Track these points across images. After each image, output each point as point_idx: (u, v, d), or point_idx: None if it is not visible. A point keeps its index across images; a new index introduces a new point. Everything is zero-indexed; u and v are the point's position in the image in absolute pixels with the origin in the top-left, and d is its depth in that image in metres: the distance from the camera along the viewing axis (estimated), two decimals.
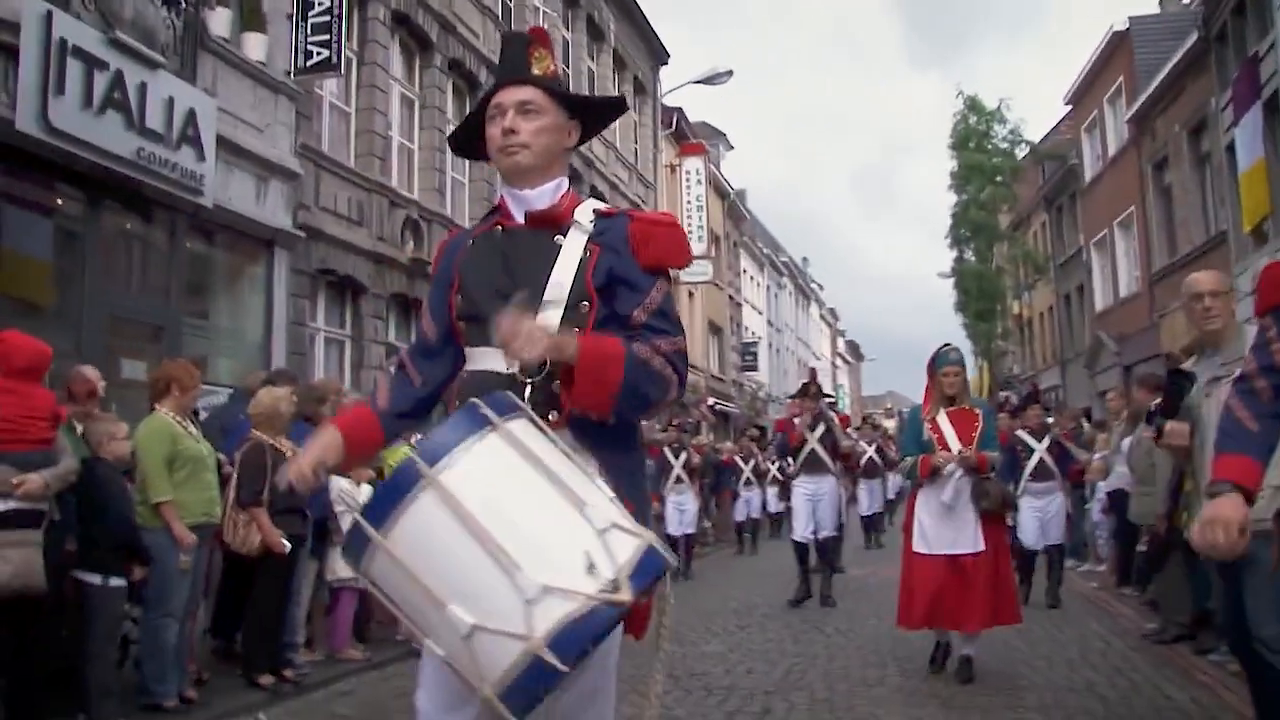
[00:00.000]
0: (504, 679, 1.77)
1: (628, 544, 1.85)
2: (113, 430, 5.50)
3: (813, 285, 57.95)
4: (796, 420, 10.31)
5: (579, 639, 1.76)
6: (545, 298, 2.25)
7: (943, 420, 6.26)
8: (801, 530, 10.14)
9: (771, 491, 17.94)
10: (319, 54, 11.62)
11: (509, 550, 1.77)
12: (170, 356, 9.56)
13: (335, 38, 11.63)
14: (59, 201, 8.77)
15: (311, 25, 11.65)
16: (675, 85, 27.87)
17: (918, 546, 6.17)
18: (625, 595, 1.78)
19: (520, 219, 2.40)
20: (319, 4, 11.70)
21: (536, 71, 2.39)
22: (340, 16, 11.66)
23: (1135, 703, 5.48)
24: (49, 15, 7.84)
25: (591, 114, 2.56)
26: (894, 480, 22.15)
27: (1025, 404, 10.62)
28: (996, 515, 6.24)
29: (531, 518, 1.85)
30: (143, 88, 8.82)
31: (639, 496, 2.21)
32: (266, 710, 5.83)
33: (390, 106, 14.12)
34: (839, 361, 67.49)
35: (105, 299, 8.95)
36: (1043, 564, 9.76)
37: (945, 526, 6.09)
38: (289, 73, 11.52)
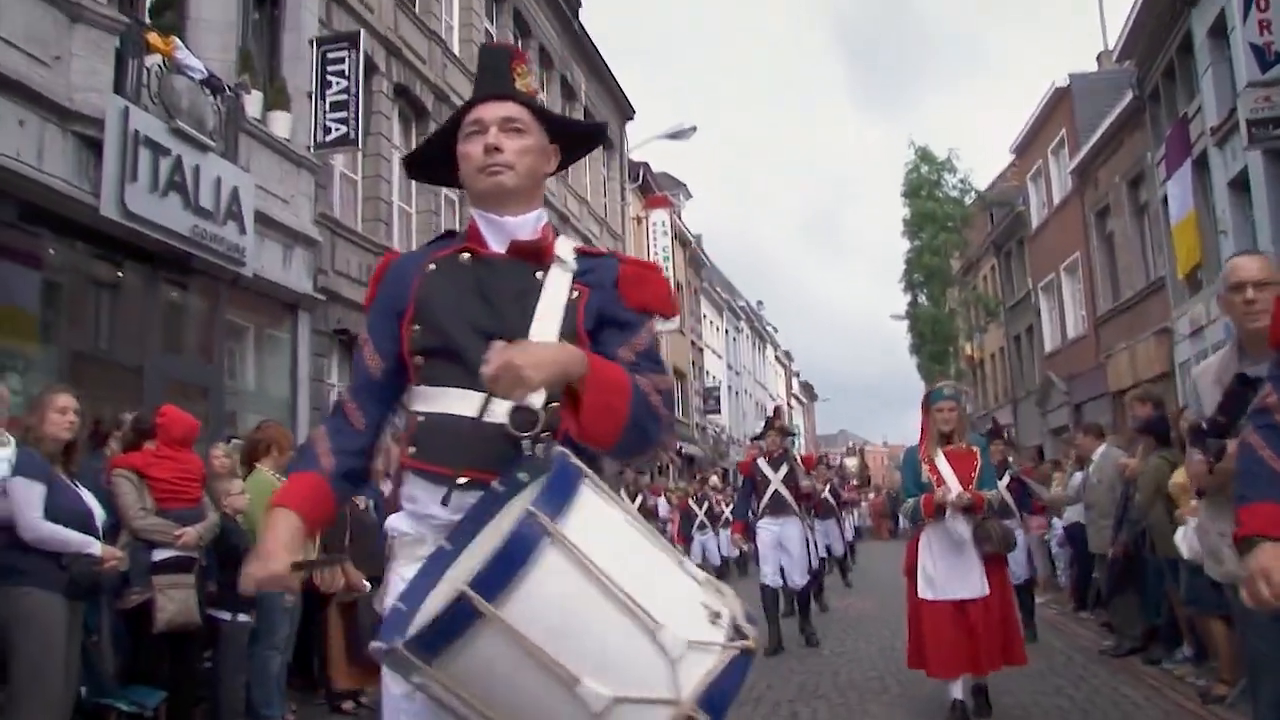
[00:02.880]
0: None
1: (725, 594, 1.76)
2: (229, 487, 6.39)
3: (768, 328, 59.37)
4: (759, 460, 10.00)
5: (725, 693, 1.65)
6: (530, 336, 2.05)
7: (941, 461, 6.11)
8: (770, 575, 9.70)
9: (725, 535, 17.84)
10: (337, 130, 12.59)
11: (649, 608, 1.61)
12: (213, 415, 10.53)
13: (352, 114, 12.61)
14: (120, 275, 9.68)
15: (330, 103, 12.62)
16: (641, 141, 29.04)
17: (924, 593, 6.05)
18: (753, 640, 1.69)
19: (498, 247, 2.18)
20: (336, 84, 12.68)
21: (519, 87, 2.24)
22: (356, 95, 12.65)
23: (1097, 701, 6.54)
24: (126, 110, 8.78)
25: (571, 140, 2.39)
26: (849, 521, 22.81)
27: (988, 440, 10.00)
28: (999, 556, 6.17)
29: (652, 571, 1.71)
30: (196, 170, 9.76)
31: None
32: None
33: (392, 173, 15.10)
34: (794, 402, 68.86)
35: (161, 363, 9.82)
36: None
37: (950, 570, 5.99)
38: (310, 147, 12.47)
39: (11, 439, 4.71)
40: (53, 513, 4.73)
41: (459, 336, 2.07)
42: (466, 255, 2.19)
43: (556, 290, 2.12)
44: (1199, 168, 18.38)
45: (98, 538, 4.93)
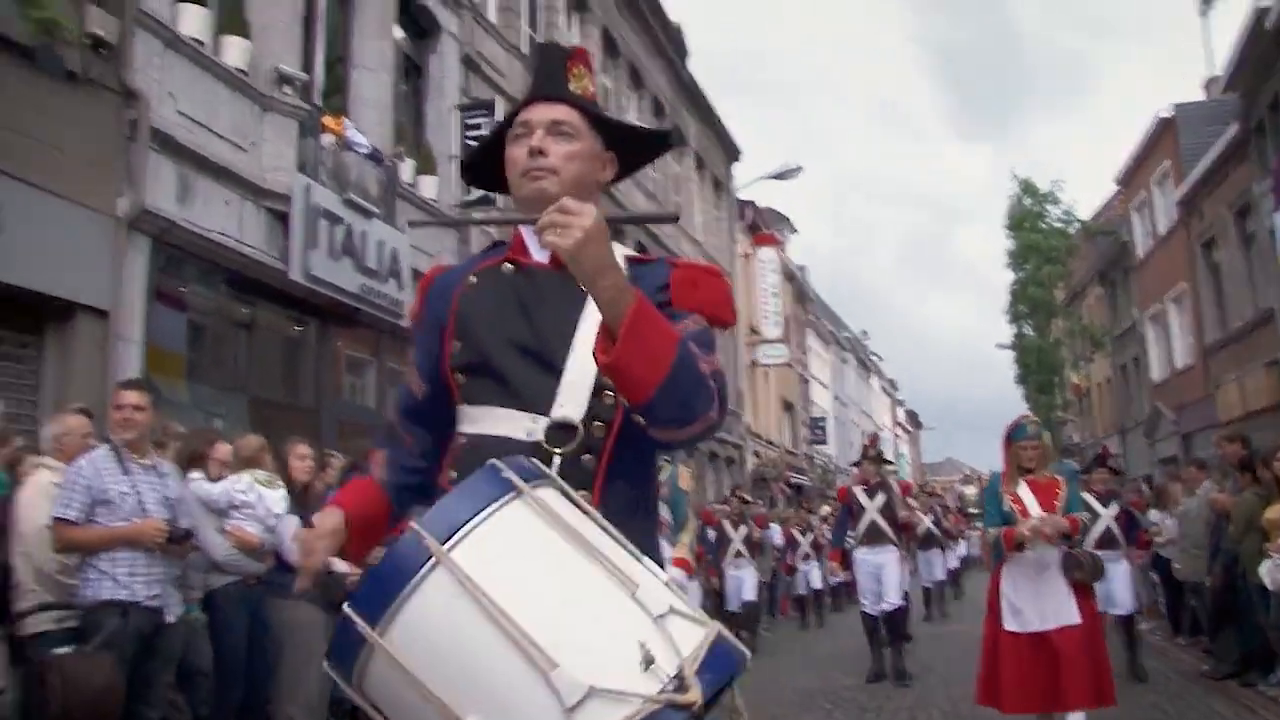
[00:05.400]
0: None
1: (692, 633, 1.53)
2: None
3: (873, 357, 59.68)
4: (855, 488, 10.13)
5: None
6: (572, 351, 1.92)
7: (1023, 491, 5.99)
8: (870, 603, 9.82)
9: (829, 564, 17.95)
10: (478, 190, 13.79)
11: (543, 644, 1.43)
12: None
13: None
14: (297, 329, 10.97)
15: None
16: (749, 181, 29.98)
17: (1008, 624, 5.85)
18: (694, 695, 1.44)
19: (541, 257, 2.04)
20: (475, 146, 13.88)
21: (574, 89, 2.09)
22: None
23: (1189, 716, 7.20)
24: (308, 187, 10.04)
25: (631, 146, 2.23)
26: (954, 551, 22.76)
27: (1092, 466, 10.03)
28: (1087, 586, 5.91)
29: (571, 603, 1.51)
30: (364, 235, 10.98)
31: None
32: None
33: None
34: (899, 431, 68.82)
35: (333, 404, 11.08)
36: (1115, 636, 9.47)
37: (1038, 601, 5.80)
38: (454, 207, 13.69)
39: (281, 482, 5.81)
40: None
41: (496, 353, 1.97)
42: (509, 266, 2.07)
43: None
44: None
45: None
